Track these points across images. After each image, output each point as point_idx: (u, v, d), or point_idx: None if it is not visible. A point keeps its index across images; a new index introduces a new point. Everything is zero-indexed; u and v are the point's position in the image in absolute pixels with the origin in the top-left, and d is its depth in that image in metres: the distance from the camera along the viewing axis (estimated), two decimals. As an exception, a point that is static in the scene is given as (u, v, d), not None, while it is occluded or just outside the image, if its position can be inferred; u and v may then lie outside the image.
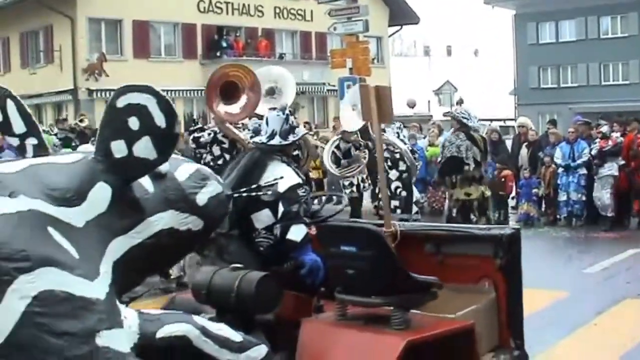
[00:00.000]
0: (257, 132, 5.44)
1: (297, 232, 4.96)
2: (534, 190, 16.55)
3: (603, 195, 15.61)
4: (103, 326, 2.93)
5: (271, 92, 9.82)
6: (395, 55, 61.54)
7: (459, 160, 11.26)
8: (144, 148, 3.42)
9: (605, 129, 16.19)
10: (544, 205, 16.82)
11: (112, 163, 3.45)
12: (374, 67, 26.81)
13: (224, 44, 36.76)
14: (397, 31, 46.17)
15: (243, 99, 8.96)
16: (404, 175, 12.82)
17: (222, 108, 9.01)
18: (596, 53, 50.30)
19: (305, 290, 5.01)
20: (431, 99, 54.79)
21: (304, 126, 21.89)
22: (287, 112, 5.44)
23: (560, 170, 16.16)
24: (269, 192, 4.88)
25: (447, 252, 5.36)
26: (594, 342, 7.56)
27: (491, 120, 33.49)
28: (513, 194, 17.14)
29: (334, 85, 30.43)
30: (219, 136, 9.48)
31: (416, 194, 15.12)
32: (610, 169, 15.67)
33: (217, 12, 37.29)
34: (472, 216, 11.20)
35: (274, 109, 5.55)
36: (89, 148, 4.46)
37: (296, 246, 4.96)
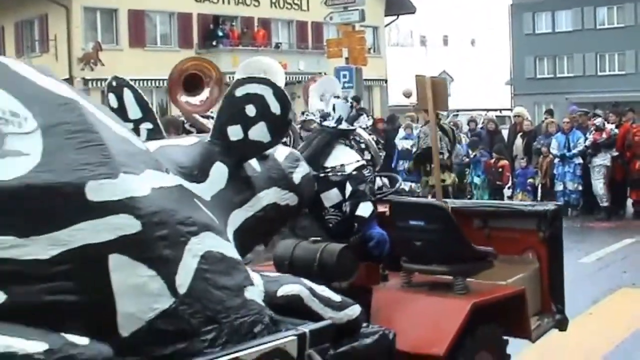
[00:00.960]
0: (325, 117, 5.79)
1: (365, 209, 5.36)
2: (530, 180, 16.56)
3: (596, 185, 15.67)
4: (247, 283, 3.41)
5: None
6: (391, 45, 61.49)
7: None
8: (259, 132, 3.89)
9: (599, 121, 16.20)
10: (539, 195, 16.84)
11: (228, 145, 3.91)
12: (370, 57, 26.84)
13: (220, 34, 36.68)
14: (393, 21, 46.11)
15: (205, 93, 9.31)
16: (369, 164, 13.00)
17: (183, 98, 9.38)
18: (592, 43, 50.33)
19: (371, 261, 5.47)
20: (427, 89, 54.81)
21: (301, 115, 21.92)
22: (351, 100, 5.98)
23: (556, 160, 16.18)
24: (345, 173, 5.42)
25: (493, 226, 5.99)
26: (590, 331, 7.57)
27: (487, 110, 33.50)
28: (509, 183, 17.15)
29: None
30: (187, 126, 9.86)
31: (412, 184, 15.15)
32: (604, 159, 15.72)
33: (213, 1, 37.21)
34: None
35: (338, 97, 5.95)
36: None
37: (365, 221, 5.36)
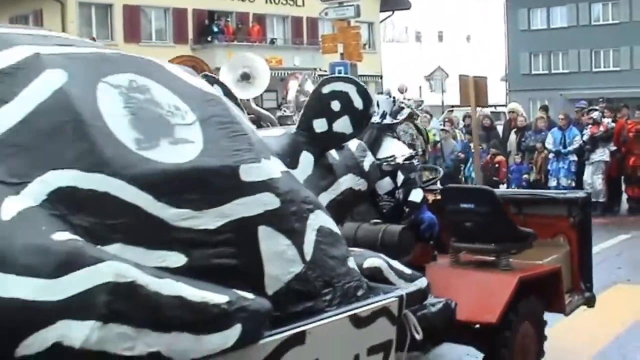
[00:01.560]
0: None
1: (416, 195, 6.13)
2: (525, 176, 16.58)
3: (595, 181, 15.69)
4: (349, 254, 3.86)
5: (245, 77, 10.29)
6: (386, 41, 61.43)
7: (413, 147, 11.84)
8: (343, 125, 4.38)
9: (596, 114, 16.22)
10: (533, 191, 16.86)
11: (314, 136, 4.41)
12: (365, 53, 26.83)
13: (215, 29, 36.65)
14: (388, 17, 46.11)
15: None
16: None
17: None
18: (587, 39, 50.39)
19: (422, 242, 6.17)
20: (422, 84, 54.73)
21: (279, 111, 21.87)
22: (392, 95, 6.67)
23: (551, 156, 16.20)
24: (396, 163, 6.11)
25: (528, 212, 6.66)
26: (586, 326, 7.58)
27: (482, 106, 33.47)
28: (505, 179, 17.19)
29: (325, 71, 30.37)
30: None
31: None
32: (602, 154, 15.76)
33: (208, -4, 37.19)
34: None
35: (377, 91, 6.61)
36: None
37: (416, 206, 6.13)
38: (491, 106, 40.78)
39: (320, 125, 4.40)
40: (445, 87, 33.51)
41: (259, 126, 11.49)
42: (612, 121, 16.29)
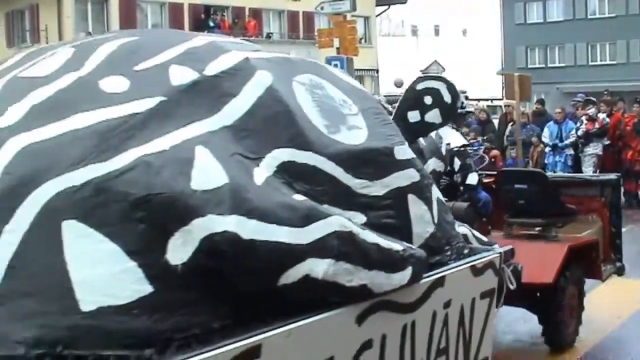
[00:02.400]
0: None
1: (472, 178, 7.17)
2: (521, 170, 16.61)
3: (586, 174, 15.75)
4: (455, 221, 4.68)
5: None
6: (382, 35, 61.43)
7: None
8: (434, 116, 5.15)
9: (592, 111, 16.25)
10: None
11: (408, 125, 5.09)
12: (361, 47, 26.79)
13: (211, 24, 36.62)
14: (384, 11, 46.10)
15: None
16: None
17: None
18: (583, 33, 50.42)
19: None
20: (419, 78, 54.80)
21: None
22: None
23: (547, 149, 16.22)
24: (453, 150, 6.84)
25: (565, 193, 7.57)
26: (583, 319, 7.60)
27: (479, 99, 33.48)
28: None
29: (321, 65, 30.36)
30: None
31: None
32: (595, 148, 15.79)
33: (204, -9, 37.15)
34: None
35: None
36: None
37: (473, 188, 7.14)
38: (487, 100, 40.87)
39: (413, 116, 5.17)
40: (442, 81, 33.51)
41: None
42: (608, 116, 16.30)
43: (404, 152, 4.14)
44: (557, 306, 6.67)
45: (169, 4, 36.11)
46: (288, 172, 3.48)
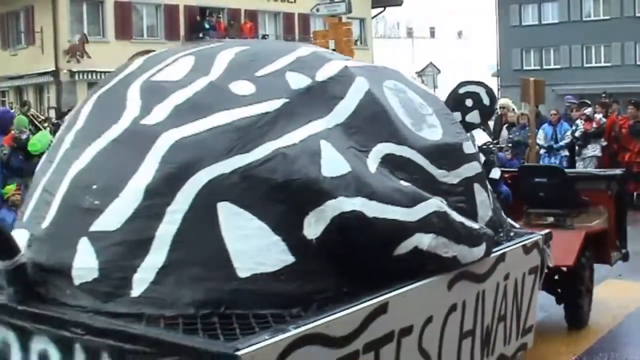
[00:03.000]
0: None
1: (495, 173, 7.73)
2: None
3: (587, 177, 15.75)
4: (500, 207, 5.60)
5: None
6: (378, 37, 61.41)
7: None
8: (474, 117, 5.72)
9: (589, 111, 16.27)
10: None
11: None
12: (356, 49, 26.82)
13: (207, 26, 36.60)
14: (380, 13, 46.10)
15: None
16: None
17: None
18: (578, 35, 50.48)
19: None
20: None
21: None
22: None
23: (542, 151, 16.23)
24: (479, 146, 7.23)
25: (577, 187, 8.17)
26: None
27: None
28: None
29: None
30: None
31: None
32: (594, 150, 15.80)
33: (200, -7, 37.10)
34: None
35: None
36: None
37: (496, 182, 7.53)
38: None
39: (456, 117, 5.53)
40: (437, 83, 33.49)
41: None
42: (604, 117, 16.33)
43: (469, 147, 4.92)
44: (575, 288, 7.35)
45: (164, 5, 36.06)
46: (390, 163, 4.14)
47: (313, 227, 3.59)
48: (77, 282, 3.46)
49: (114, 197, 3.52)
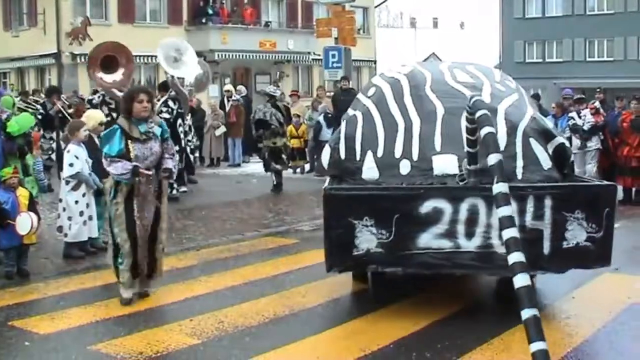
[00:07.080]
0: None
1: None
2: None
3: (590, 170, 15.74)
4: None
5: (175, 60, 13.56)
6: (381, 26, 61.33)
7: (264, 121, 16.16)
8: None
9: (598, 104, 16.34)
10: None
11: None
12: (359, 38, 26.75)
13: (210, 11, 36.52)
14: (383, 2, 46.08)
15: (119, 73, 12.71)
16: None
17: (100, 75, 12.68)
18: (582, 29, 50.41)
19: None
20: (416, 71, 54.81)
21: (293, 95, 21.84)
22: None
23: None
24: None
25: None
26: (572, 314, 7.63)
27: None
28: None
29: (319, 55, 30.32)
30: (107, 98, 13.03)
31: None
32: (597, 143, 15.86)
33: (203, -22, 37.00)
34: (282, 156, 16.53)
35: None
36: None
37: None
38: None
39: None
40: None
41: (177, 100, 14.22)
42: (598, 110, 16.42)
43: None
44: None
45: (167, -10, 36.00)
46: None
47: None
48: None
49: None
